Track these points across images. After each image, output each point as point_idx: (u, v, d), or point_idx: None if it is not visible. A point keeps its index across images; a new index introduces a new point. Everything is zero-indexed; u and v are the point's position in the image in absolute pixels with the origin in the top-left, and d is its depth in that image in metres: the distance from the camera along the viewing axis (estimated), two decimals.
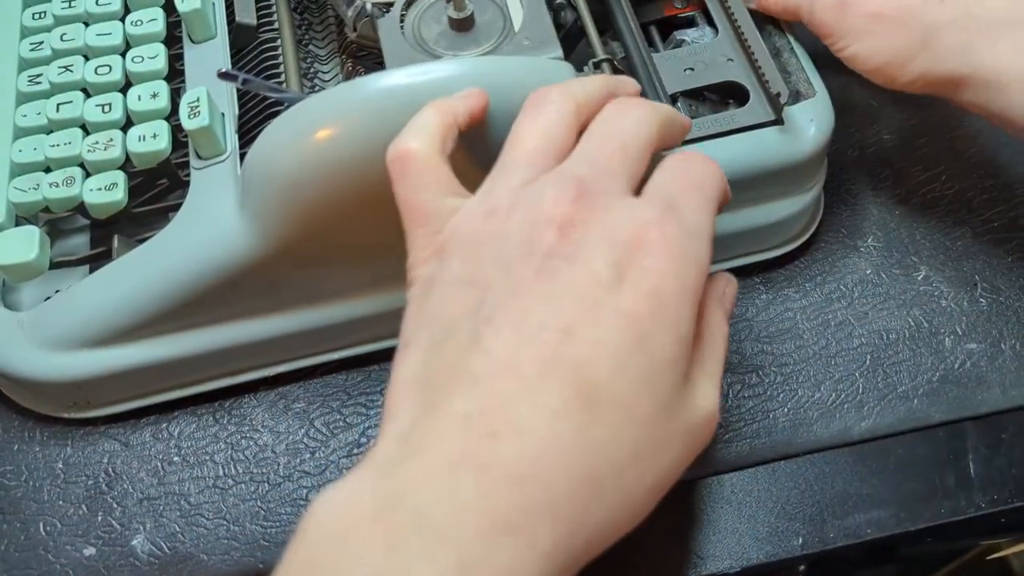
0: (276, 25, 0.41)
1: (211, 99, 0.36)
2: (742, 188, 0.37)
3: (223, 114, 0.37)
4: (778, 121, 0.37)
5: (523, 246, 0.25)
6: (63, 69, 0.40)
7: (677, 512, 0.36)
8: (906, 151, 0.45)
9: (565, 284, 0.25)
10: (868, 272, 0.41)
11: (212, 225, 0.34)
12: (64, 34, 0.41)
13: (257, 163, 0.33)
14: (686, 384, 0.26)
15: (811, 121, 0.37)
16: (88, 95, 0.39)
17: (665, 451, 0.25)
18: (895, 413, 0.38)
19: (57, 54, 0.41)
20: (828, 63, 0.39)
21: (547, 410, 0.23)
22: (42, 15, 0.43)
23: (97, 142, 0.37)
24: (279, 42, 0.40)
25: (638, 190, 0.28)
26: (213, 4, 0.40)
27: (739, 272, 0.40)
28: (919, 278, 0.41)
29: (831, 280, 0.41)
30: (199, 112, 0.35)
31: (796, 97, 0.38)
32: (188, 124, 0.35)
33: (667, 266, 0.25)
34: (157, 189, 0.38)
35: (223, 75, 0.33)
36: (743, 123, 0.37)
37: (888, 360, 0.39)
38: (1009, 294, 0.40)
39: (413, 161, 0.28)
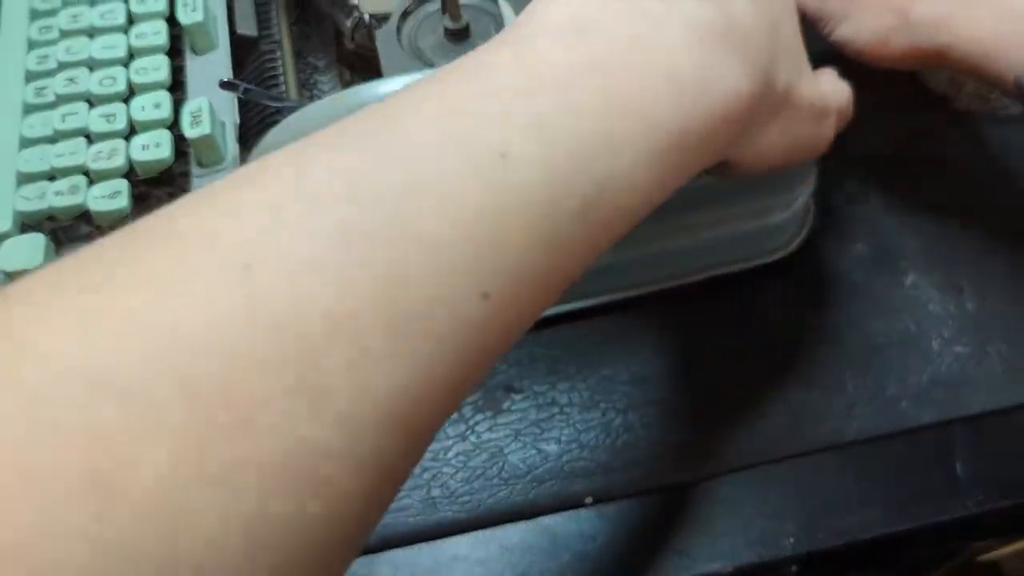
0: (276, 36, 0.42)
1: (212, 109, 0.37)
2: (732, 195, 0.38)
3: (224, 123, 0.37)
4: None
5: None
6: (68, 81, 0.41)
7: (669, 515, 0.37)
8: (895, 158, 0.45)
9: None
10: (858, 277, 0.42)
11: None
12: (70, 47, 0.42)
13: None
14: (817, 83, 0.30)
15: None
16: (92, 106, 0.40)
17: (813, 83, 0.30)
18: (884, 415, 0.38)
19: (63, 66, 0.42)
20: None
21: (757, 5, 0.26)
22: (49, 29, 0.44)
23: (101, 151, 0.38)
24: (279, 53, 0.41)
25: None
26: (215, 16, 0.41)
27: (731, 279, 0.41)
28: (907, 283, 0.41)
29: (822, 285, 0.42)
30: (201, 121, 0.36)
31: None
32: (190, 133, 0.36)
33: None
34: (160, 198, 0.39)
35: (224, 85, 0.34)
36: None
37: (877, 364, 0.39)
38: (995, 299, 0.40)
39: None
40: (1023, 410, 0.38)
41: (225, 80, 0.35)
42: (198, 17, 0.39)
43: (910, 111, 0.46)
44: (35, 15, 0.45)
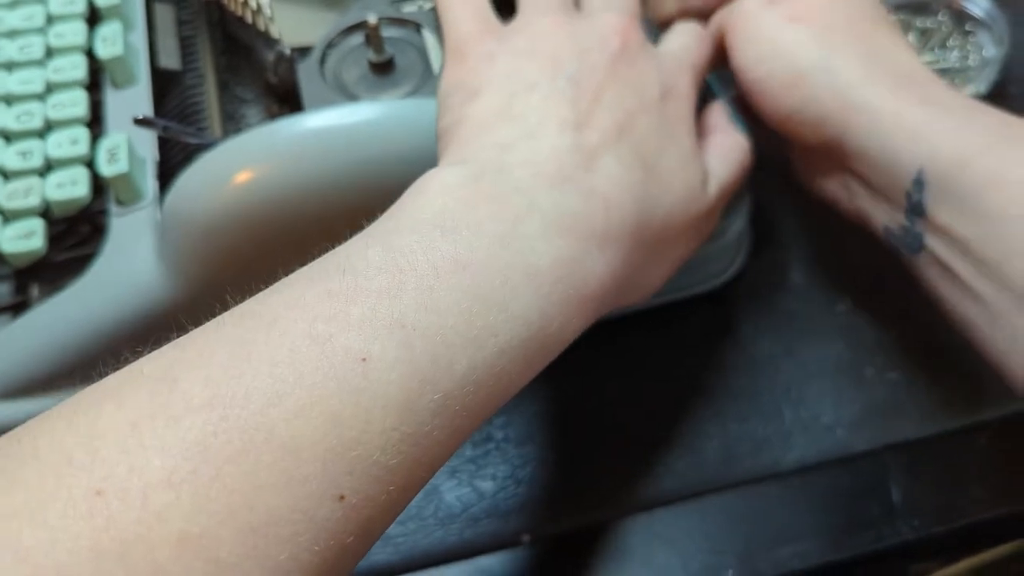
0: (201, 70, 0.41)
1: (131, 145, 0.36)
2: None
3: (144, 160, 0.36)
4: None
5: (596, 42, 0.31)
6: None
7: (608, 550, 0.36)
8: None
9: (628, 76, 0.31)
10: (793, 305, 0.42)
11: (131, 273, 0.34)
12: None
13: (174, 209, 0.32)
14: (703, 180, 0.32)
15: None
16: (8, 141, 0.39)
17: (684, 238, 0.32)
18: (820, 444, 0.38)
19: None
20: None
21: (624, 163, 0.29)
22: None
23: (16, 189, 0.37)
24: (203, 87, 0.40)
25: None
26: (136, 50, 0.40)
27: (667, 309, 0.41)
28: (840, 311, 0.41)
29: (756, 314, 0.42)
30: (118, 159, 0.35)
31: None
32: (106, 171, 0.35)
33: (688, 94, 0.33)
34: (78, 236, 0.37)
35: (140, 122, 0.33)
36: None
37: (813, 392, 0.39)
38: (924, 327, 0.40)
39: None
40: (954, 436, 0.38)
41: (141, 116, 0.33)
42: (117, 51, 0.38)
43: None
44: None
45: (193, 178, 0.31)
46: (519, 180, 0.27)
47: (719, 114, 0.36)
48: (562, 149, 0.28)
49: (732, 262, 0.42)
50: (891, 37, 0.34)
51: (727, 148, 0.35)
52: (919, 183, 0.30)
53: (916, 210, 0.31)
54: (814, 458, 0.38)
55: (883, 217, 0.33)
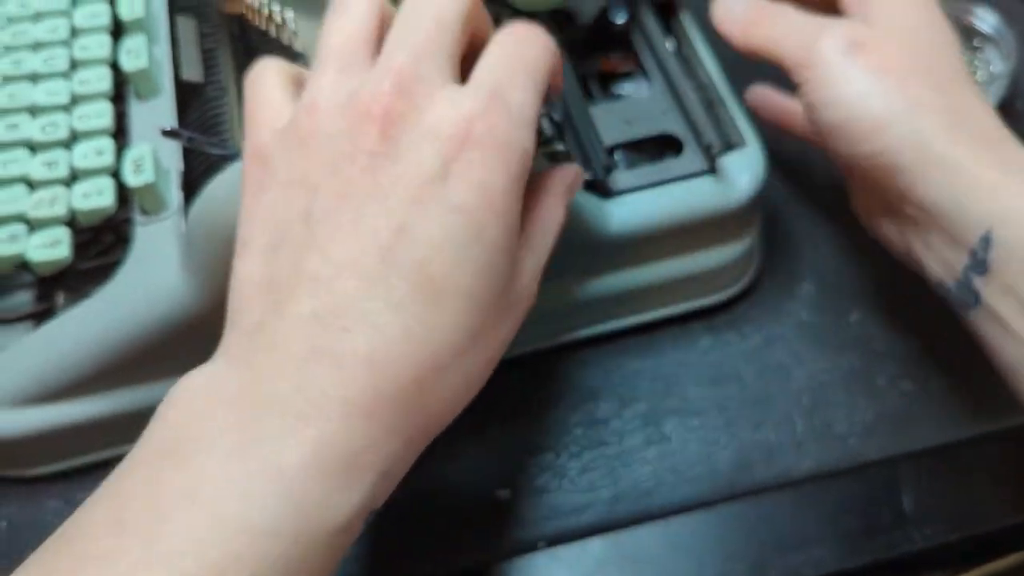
0: (222, 82, 0.42)
1: (156, 156, 0.36)
2: (678, 236, 0.39)
3: (168, 170, 0.37)
4: (711, 171, 0.38)
5: (346, 145, 0.26)
6: (9, 127, 0.40)
7: (623, 556, 0.37)
8: (839, 197, 0.46)
9: (393, 182, 0.25)
10: (804, 316, 0.42)
11: (156, 280, 0.35)
12: (12, 93, 0.42)
13: (200, 218, 0.33)
14: (515, 266, 0.27)
15: (743, 171, 0.38)
16: (34, 152, 0.39)
17: (499, 329, 0.27)
18: (833, 453, 0.38)
19: (3, 112, 0.41)
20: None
21: (391, 304, 0.24)
22: None
23: (42, 199, 0.37)
24: (225, 98, 0.41)
25: (462, 70, 0.28)
26: (160, 62, 0.40)
27: (680, 319, 0.42)
28: (852, 320, 0.42)
29: (769, 324, 0.42)
30: (143, 169, 0.35)
31: (729, 147, 0.40)
32: (132, 181, 0.35)
33: (494, 159, 0.26)
34: (103, 245, 0.38)
35: (167, 133, 0.33)
36: (677, 173, 0.38)
37: (825, 401, 0.40)
38: (937, 337, 0.41)
39: (265, 67, 0.30)
40: (966, 445, 0.39)
41: (168, 128, 0.34)
42: (142, 63, 0.39)
43: None
44: None
45: (221, 188, 0.32)
46: (260, 372, 0.24)
47: (556, 176, 0.31)
48: (308, 317, 0.24)
49: (743, 275, 0.42)
50: (970, 91, 0.33)
51: (550, 215, 0.30)
52: (986, 241, 0.31)
53: (979, 267, 0.31)
54: (827, 466, 0.38)
55: (938, 269, 0.33)
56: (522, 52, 0.28)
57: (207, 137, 0.35)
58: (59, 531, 0.23)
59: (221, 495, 0.22)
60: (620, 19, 0.42)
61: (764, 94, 0.44)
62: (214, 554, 0.21)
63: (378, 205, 0.25)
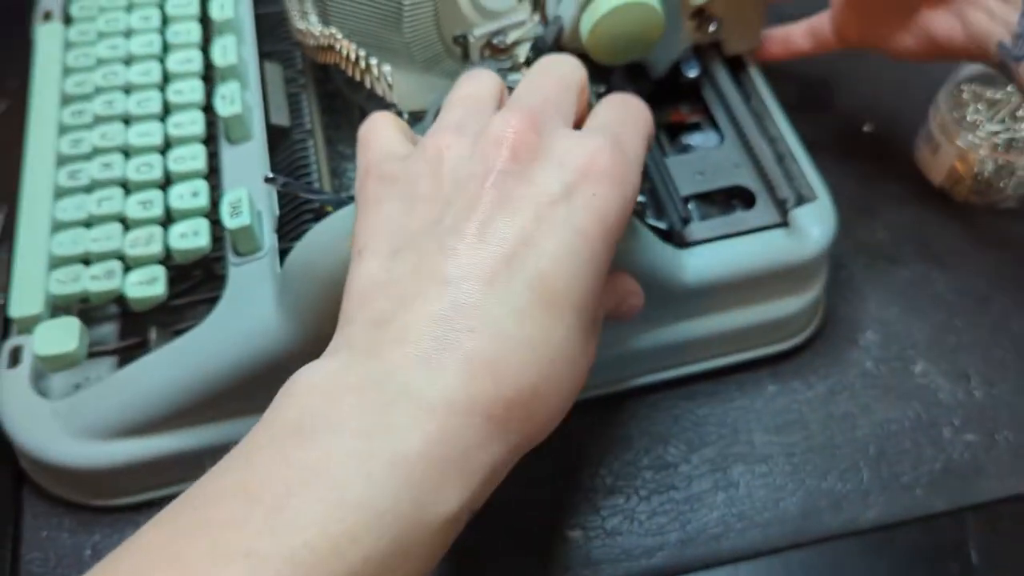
0: (307, 126, 0.43)
1: (251, 199, 0.38)
2: (750, 286, 0.40)
3: (260, 213, 0.38)
4: (784, 223, 0.40)
5: (478, 165, 0.28)
6: (104, 166, 0.42)
7: None
8: (899, 249, 0.47)
9: (520, 199, 0.27)
10: (868, 365, 0.43)
11: (250, 319, 0.36)
12: (105, 132, 0.43)
13: (299, 261, 0.34)
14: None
15: (815, 224, 0.40)
16: (128, 191, 0.41)
17: (591, 348, 0.29)
18: (899, 503, 0.39)
19: (97, 151, 0.43)
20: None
21: (515, 310, 0.26)
22: (81, 113, 0.45)
23: (138, 237, 0.39)
24: (310, 142, 0.43)
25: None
26: (251, 108, 0.42)
27: (747, 366, 0.43)
28: (917, 371, 0.43)
29: (834, 373, 0.43)
30: (240, 212, 0.37)
31: (800, 200, 0.41)
32: (229, 224, 0.37)
33: (612, 193, 0.28)
34: (191, 283, 0.39)
35: (268, 180, 0.35)
36: (751, 225, 0.40)
37: (891, 451, 0.41)
38: (1001, 387, 0.42)
39: (381, 115, 0.32)
40: None
41: (268, 176, 0.36)
42: (236, 109, 0.40)
43: (912, 204, 0.49)
44: (67, 100, 0.46)
45: (323, 233, 0.33)
46: (389, 363, 0.25)
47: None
48: (436, 316, 0.25)
49: (810, 324, 0.43)
50: None
51: (625, 285, 0.33)
52: None
53: None
54: (893, 517, 0.39)
55: (1000, 31, 0.38)
56: (629, 107, 0.32)
57: (301, 183, 0.37)
58: (183, 496, 0.24)
59: (346, 474, 0.23)
60: (692, 73, 0.43)
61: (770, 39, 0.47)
62: (334, 530, 0.22)
63: (506, 218, 0.27)
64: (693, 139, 0.45)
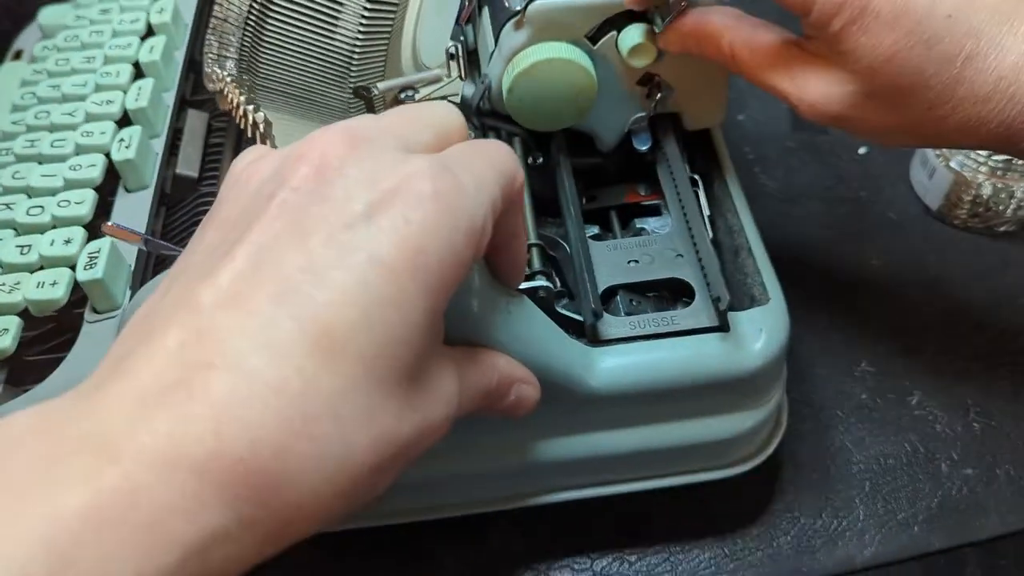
0: (220, 177, 0.40)
1: (115, 251, 0.34)
2: (674, 399, 0.33)
3: (130, 267, 0.35)
4: (722, 327, 0.33)
5: (275, 181, 0.23)
6: (4, 207, 0.40)
7: None
8: (895, 276, 0.45)
9: (312, 220, 0.22)
10: (863, 397, 0.40)
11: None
12: (17, 172, 0.41)
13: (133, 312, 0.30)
14: (437, 368, 0.24)
15: (760, 331, 0.33)
16: (17, 234, 0.38)
17: (398, 428, 0.22)
18: (896, 540, 0.36)
19: (6, 191, 0.40)
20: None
21: (273, 348, 0.20)
22: (7, 152, 0.43)
23: (3, 284, 0.36)
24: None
25: None
26: (156, 154, 0.39)
27: (677, 490, 0.36)
28: (913, 403, 0.40)
29: (828, 406, 0.40)
30: (95, 264, 0.33)
31: (750, 302, 0.34)
32: (81, 276, 0.33)
33: (433, 220, 0.22)
34: (55, 340, 0.36)
35: (108, 230, 0.31)
36: (681, 325, 0.33)
37: (887, 486, 0.38)
38: (1000, 419, 0.40)
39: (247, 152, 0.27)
40: None
41: (111, 224, 0.32)
42: (130, 155, 0.37)
43: (908, 229, 0.47)
44: (3, 137, 0.44)
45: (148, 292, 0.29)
46: (100, 404, 0.20)
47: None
48: (173, 348, 0.21)
49: (758, 449, 0.36)
50: None
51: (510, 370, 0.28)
52: None
53: None
54: (890, 555, 0.36)
55: None
56: (483, 144, 0.26)
57: (160, 240, 0.33)
58: None
59: None
60: (643, 146, 0.38)
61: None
62: None
63: (290, 243, 0.22)
64: (648, 223, 0.39)
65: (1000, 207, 0.45)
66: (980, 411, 0.40)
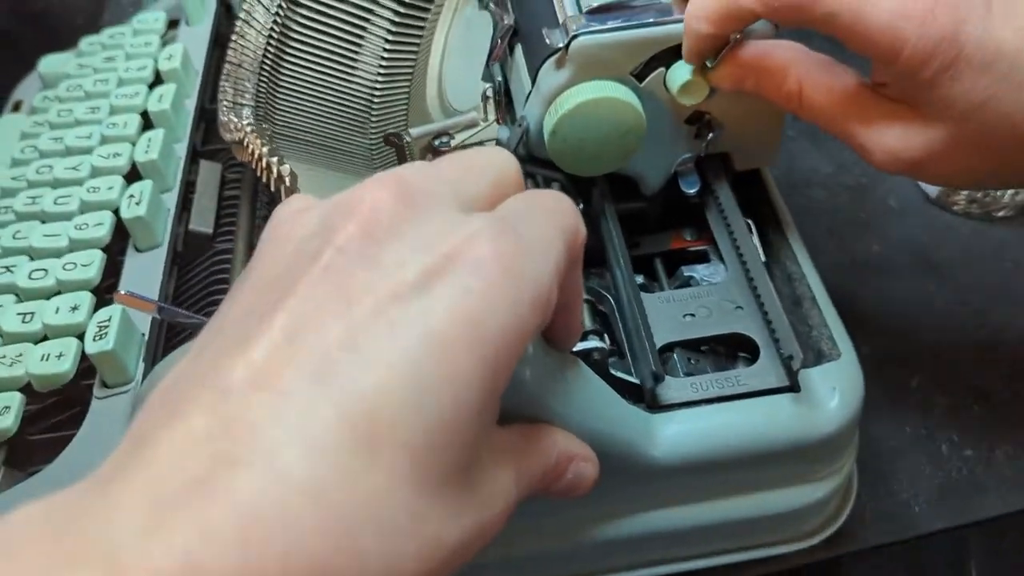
0: (236, 233, 0.37)
1: (128, 318, 0.31)
2: (743, 468, 0.30)
3: (143, 336, 0.32)
4: (792, 387, 0.30)
5: (319, 239, 0.20)
6: (5, 270, 0.37)
7: None
8: (895, 261, 0.45)
9: (358, 288, 0.19)
10: (864, 381, 0.36)
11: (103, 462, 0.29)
12: (18, 231, 0.38)
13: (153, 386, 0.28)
14: (491, 456, 0.22)
15: (834, 389, 0.30)
16: (20, 299, 0.36)
17: (444, 528, 0.19)
18: (898, 522, 0.36)
19: (7, 252, 0.38)
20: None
21: (309, 440, 0.18)
22: (7, 210, 0.40)
23: (4, 357, 0.33)
24: (236, 253, 0.36)
25: None
26: (168, 210, 0.36)
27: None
28: (913, 386, 0.40)
29: None
30: (106, 334, 0.30)
31: (817, 357, 0.32)
32: (90, 347, 0.30)
33: (496, 288, 0.20)
34: (60, 415, 0.33)
35: (121, 299, 0.28)
36: (748, 387, 0.31)
37: (888, 468, 0.37)
38: (999, 400, 0.39)
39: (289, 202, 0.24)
40: None
41: (124, 292, 0.29)
42: (140, 211, 0.35)
43: (908, 215, 0.47)
44: (3, 194, 0.41)
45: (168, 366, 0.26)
46: (114, 502, 0.17)
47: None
48: (196, 437, 0.18)
49: (831, 518, 0.33)
50: None
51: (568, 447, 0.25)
52: None
53: None
54: (892, 536, 0.35)
55: None
56: (541, 195, 0.23)
57: (177, 307, 0.30)
58: None
59: None
60: (691, 189, 0.35)
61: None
62: None
63: (333, 313, 0.19)
64: (697, 271, 0.36)
65: (998, 193, 0.46)
66: (979, 393, 0.40)
